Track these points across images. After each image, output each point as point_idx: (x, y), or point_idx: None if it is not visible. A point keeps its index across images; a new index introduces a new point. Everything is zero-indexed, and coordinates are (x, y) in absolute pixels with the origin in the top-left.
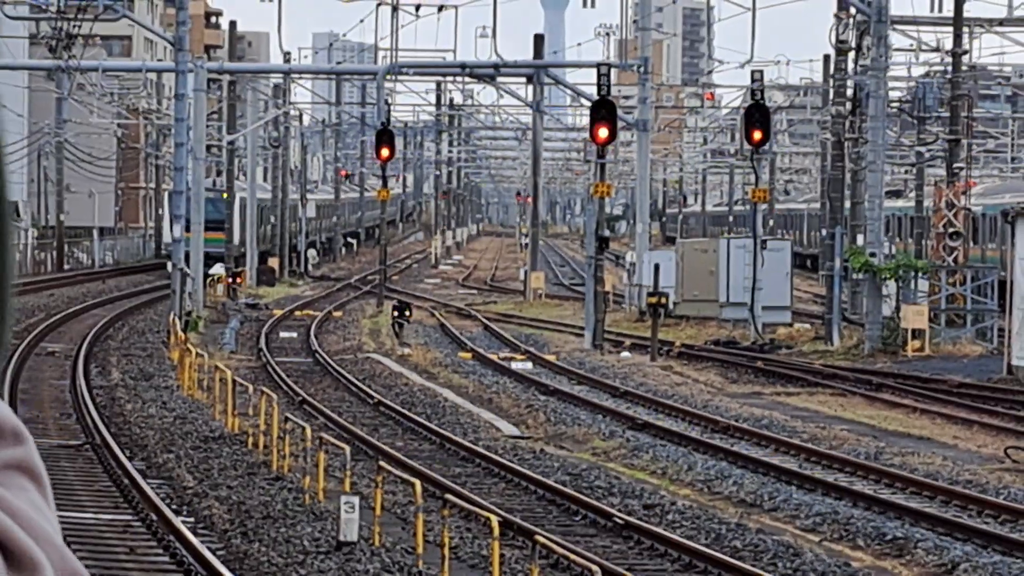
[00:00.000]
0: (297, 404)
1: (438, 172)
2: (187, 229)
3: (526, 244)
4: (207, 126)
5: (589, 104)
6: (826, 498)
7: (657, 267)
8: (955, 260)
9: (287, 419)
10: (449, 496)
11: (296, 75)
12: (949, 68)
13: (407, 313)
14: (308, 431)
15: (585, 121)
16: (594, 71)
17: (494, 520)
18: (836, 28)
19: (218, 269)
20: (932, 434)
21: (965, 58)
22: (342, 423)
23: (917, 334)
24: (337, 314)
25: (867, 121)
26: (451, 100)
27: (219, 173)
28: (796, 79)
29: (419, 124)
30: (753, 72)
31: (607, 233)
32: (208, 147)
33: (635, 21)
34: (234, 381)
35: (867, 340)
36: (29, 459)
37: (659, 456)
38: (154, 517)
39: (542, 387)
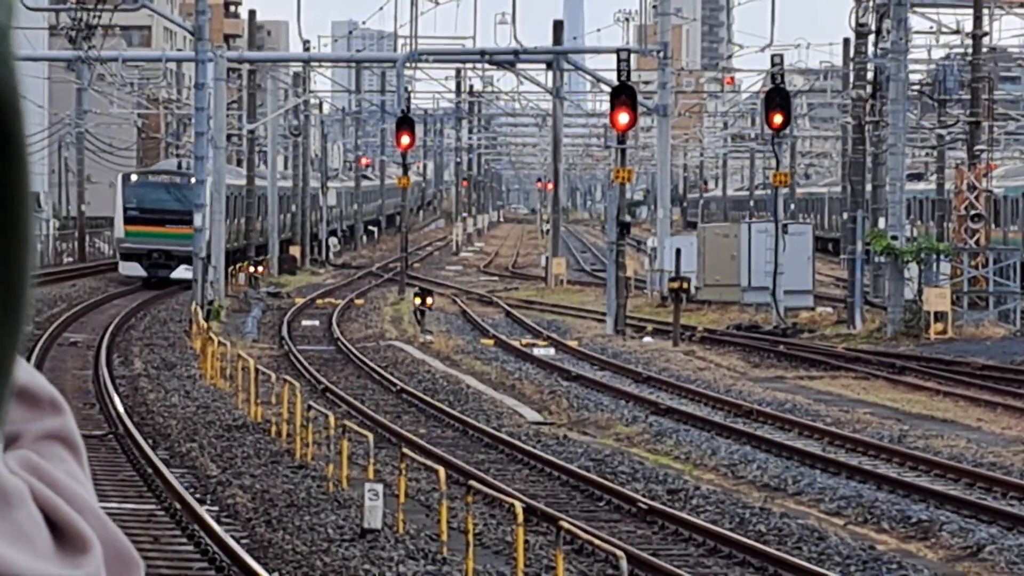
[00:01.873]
0: (320, 392)
1: (458, 159)
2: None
3: (547, 230)
4: (227, 115)
5: (609, 90)
6: (850, 481)
7: (678, 252)
8: (977, 242)
9: (310, 407)
10: (473, 483)
11: (316, 63)
12: (969, 50)
13: (429, 300)
14: (331, 419)
15: (605, 107)
16: (614, 57)
17: (518, 506)
18: (856, 11)
19: (182, 273)
20: (956, 417)
21: (986, 40)
22: (365, 411)
23: (940, 317)
24: (359, 302)
25: (887, 104)
26: (471, 87)
27: (239, 162)
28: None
29: (439, 111)
30: (773, 56)
31: (628, 219)
32: (228, 136)
33: (654, 6)
34: (257, 370)
35: (889, 323)
36: (67, 429)
37: (682, 441)
38: (178, 506)
39: (564, 373)
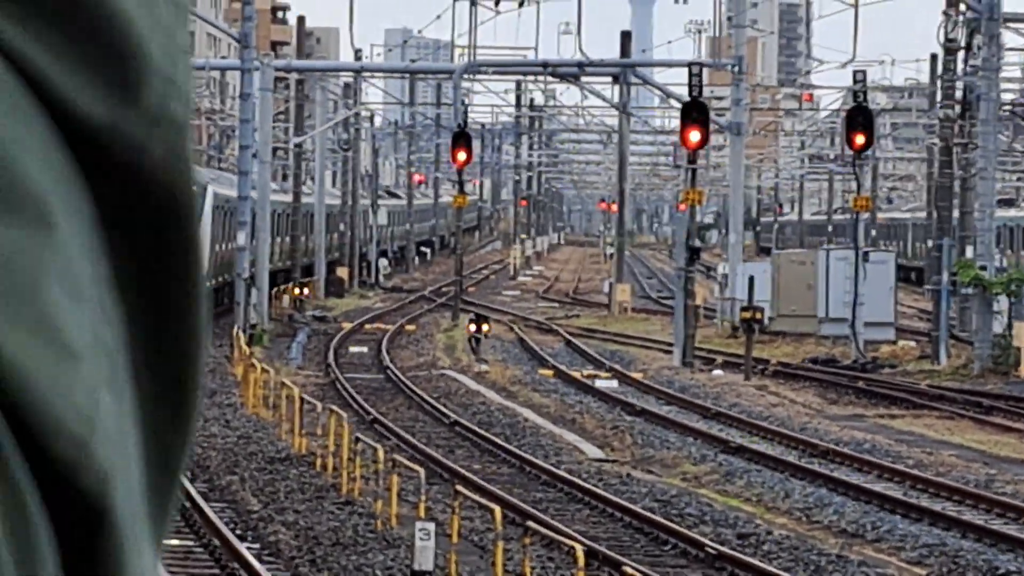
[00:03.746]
0: (368, 423)
1: (517, 177)
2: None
3: (611, 254)
4: (273, 127)
5: (679, 106)
6: (933, 528)
7: (751, 280)
8: None
9: (358, 439)
10: (530, 523)
11: (368, 74)
12: None
13: (484, 327)
14: (380, 452)
15: (674, 124)
16: (685, 70)
17: (579, 549)
18: (944, 26)
19: None
20: None
21: None
22: (416, 444)
23: None
24: (410, 328)
25: (977, 125)
26: (532, 101)
27: (285, 177)
28: (901, 80)
29: (498, 126)
30: (855, 72)
31: (698, 243)
32: (274, 150)
33: (729, 17)
34: (301, 398)
35: (976, 359)
36: None
37: (754, 482)
38: (217, 543)
39: (628, 407)
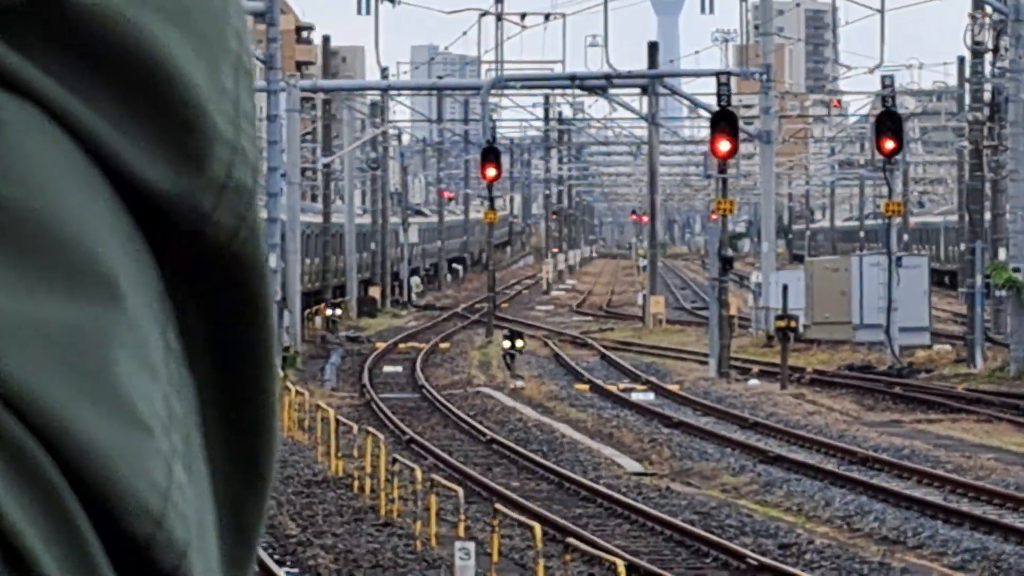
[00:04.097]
0: (404, 444)
1: (548, 191)
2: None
3: (643, 266)
4: (301, 148)
5: (708, 115)
6: (975, 533)
7: (785, 288)
8: None
9: (395, 460)
10: (571, 539)
11: (395, 92)
12: None
13: (519, 343)
14: (418, 472)
15: (704, 133)
16: (713, 80)
17: (620, 564)
18: (971, 28)
19: None
20: None
21: None
22: (453, 463)
23: None
24: (444, 346)
25: (1007, 127)
26: (560, 114)
27: (314, 198)
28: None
29: (527, 140)
30: (883, 77)
31: (730, 253)
32: (302, 170)
33: (755, 26)
34: (337, 420)
35: (1013, 361)
36: None
37: (793, 491)
38: (256, 569)
39: (665, 419)
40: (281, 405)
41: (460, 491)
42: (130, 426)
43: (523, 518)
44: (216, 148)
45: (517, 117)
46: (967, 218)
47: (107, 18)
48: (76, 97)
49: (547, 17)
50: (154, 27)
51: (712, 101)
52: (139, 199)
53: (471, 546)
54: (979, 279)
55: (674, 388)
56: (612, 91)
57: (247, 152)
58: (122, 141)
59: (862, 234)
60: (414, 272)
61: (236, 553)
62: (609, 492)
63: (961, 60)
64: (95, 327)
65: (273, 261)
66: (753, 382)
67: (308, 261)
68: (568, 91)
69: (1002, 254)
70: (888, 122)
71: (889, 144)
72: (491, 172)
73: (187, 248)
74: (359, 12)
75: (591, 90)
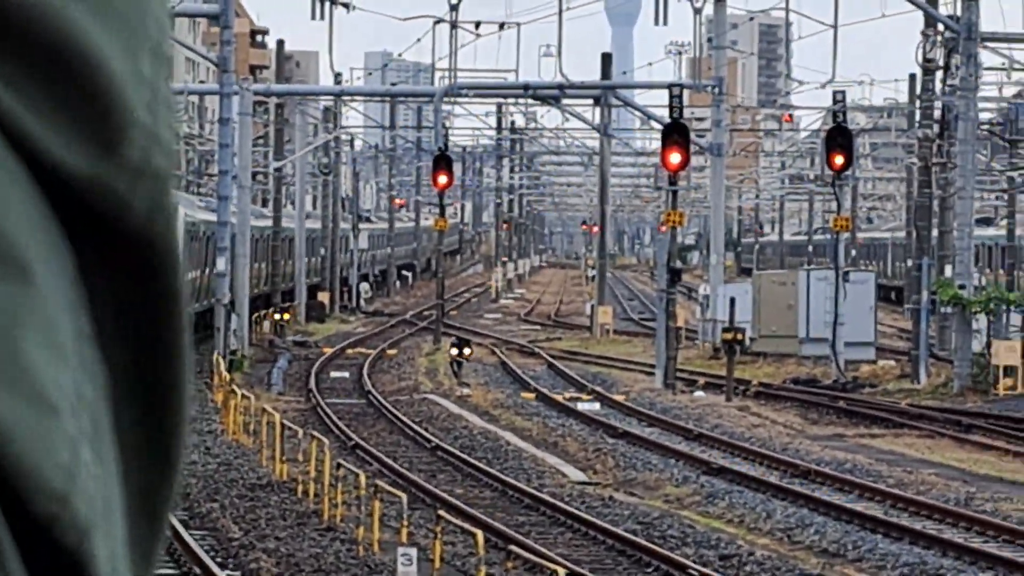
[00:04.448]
0: (349, 449)
1: (499, 200)
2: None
3: (592, 276)
4: (253, 152)
5: (660, 127)
6: (914, 547)
7: (732, 301)
8: None
9: (339, 465)
10: (513, 547)
11: (348, 97)
12: None
13: (466, 351)
14: (362, 478)
15: (655, 145)
16: (665, 92)
17: (561, 572)
18: (923, 46)
19: None
20: None
21: None
22: (398, 469)
23: (1009, 371)
24: (391, 352)
25: (956, 144)
26: (513, 123)
27: (265, 202)
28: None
29: (479, 149)
30: (835, 92)
31: (679, 265)
32: (254, 174)
33: (709, 39)
34: (282, 424)
35: (956, 378)
36: None
37: (735, 503)
38: (198, 571)
39: (611, 429)
40: (192, 393)
41: (404, 497)
42: (37, 407)
43: (466, 525)
44: (133, 134)
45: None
46: (915, 234)
47: (26, 1)
48: None
49: (501, 26)
50: (73, 11)
51: (664, 113)
52: (54, 183)
53: (413, 552)
54: (925, 295)
55: (620, 398)
56: (565, 101)
57: (164, 138)
58: (38, 124)
59: (810, 248)
60: (363, 278)
61: (143, 538)
62: (552, 500)
63: (912, 77)
64: (5, 308)
65: (222, 264)
66: (699, 394)
67: (257, 265)
68: (521, 100)
69: (948, 271)
70: (838, 137)
71: (839, 159)
72: (443, 180)
73: (102, 233)
74: (313, 17)
75: (544, 100)
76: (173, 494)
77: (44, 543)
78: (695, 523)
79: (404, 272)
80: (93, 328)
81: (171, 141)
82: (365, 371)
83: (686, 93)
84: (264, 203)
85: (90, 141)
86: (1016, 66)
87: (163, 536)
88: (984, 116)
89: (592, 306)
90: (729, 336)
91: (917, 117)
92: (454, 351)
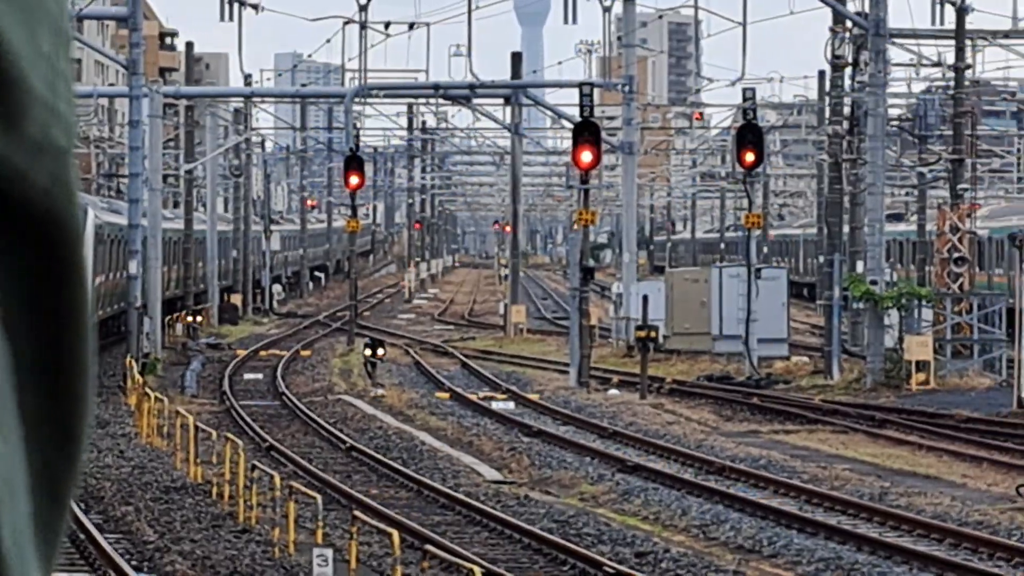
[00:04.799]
0: (264, 451)
1: (411, 200)
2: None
3: (505, 276)
4: (163, 154)
5: (571, 126)
6: (829, 542)
7: (645, 299)
8: (960, 287)
9: (254, 467)
10: (429, 547)
11: (258, 99)
12: (951, 83)
13: (380, 351)
14: (277, 479)
15: (567, 144)
16: (576, 91)
17: (477, 571)
18: (832, 42)
19: None
20: (939, 473)
21: (968, 73)
22: (313, 470)
23: (921, 366)
24: (305, 353)
25: (866, 140)
26: (424, 123)
27: (176, 204)
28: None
29: (390, 149)
30: (745, 90)
31: (592, 263)
32: (164, 177)
33: (619, 37)
34: (196, 427)
35: (869, 373)
36: None
37: (651, 500)
38: (112, 574)
39: (525, 428)
40: (95, 372)
41: (319, 498)
42: None
43: (382, 525)
44: (32, 109)
45: (381, 126)
46: (826, 231)
47: None
48: None
49: (411, 26)
50: None
51: (575, 112)
52: None
53: (329, 553)
54: (837, 291)
55: (534, 397)
56: (476, 101)
57: (63, 114)
58: None
59: (722, 246)
60: (276, 280)
61: (47, 516)
62: (468, 500)
63: (822, 74)
64: None
65: (133, 267)
66: (613, 392)
67: (169, 268)
68: (432, 100)
69: (860, 267)
70: (749, 135)
71: (750, 157)
72: (354, 180)
73: (2, 208)
74: (222, 19)
75: (455, 99)
76: (76, 473)
77: None
78: (611, 521)
79: (317, 274)
80: None
81: (70, 116)
82: (279, 373)
83: (596, 92)
84: (175, 205)
85: None
86: (924, 62)
87: (66, 515)
88: (893, 112)
89: (505, 305)
90: (643, 334)
91: (827, 114)
92: (368, 352)
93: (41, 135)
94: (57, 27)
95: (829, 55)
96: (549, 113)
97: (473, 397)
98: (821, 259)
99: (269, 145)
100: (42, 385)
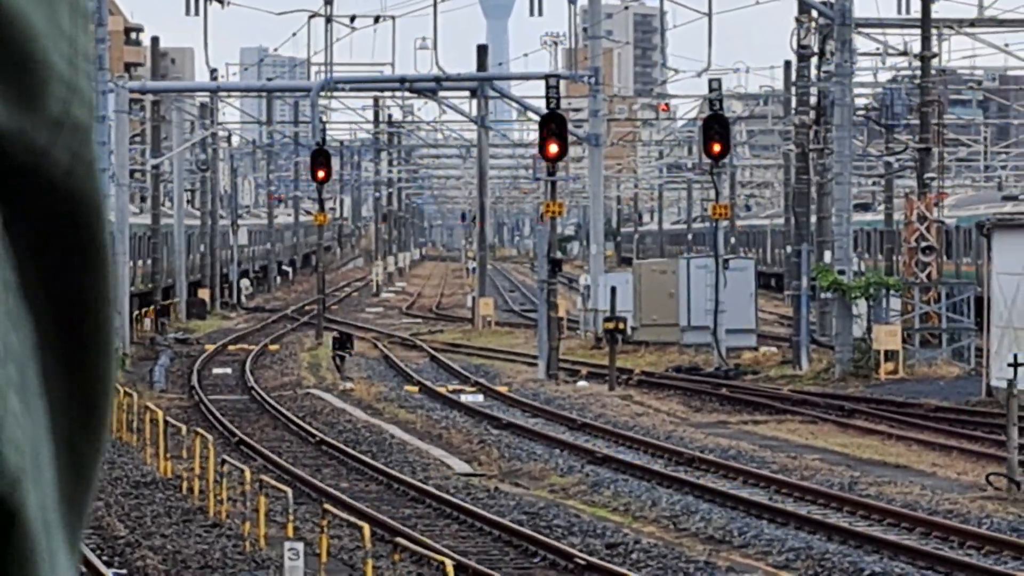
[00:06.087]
0: (234, 445)
1: (378, 194)
2: None
3: (473, 269)
4: (130, 150)
5: (537, 118)
6: (799, 532)
7: (613, 290)
8: (928, 276)
9: (224, 461)
10: (399, 539)
11: (224, 93)
12: (917, 73)
13: (348, 345)
14: (247, 473)
15: (533, 136)
16: (542, 83)
17: (448, 564)
18: (797, 32)
19: None
20: (909, 461)
21: (934, 62)
22: (283, 464)
23: (890, 356)
24: (273, 347)
25: (832, 130)
26: (390, 117)
27: (143, 200)
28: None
29: (356, 143)
30: (711, 81)
31: (559, 255)
32: (131, 172)
33: (584, 29)
34: (166, 422)
35: (837, 363)
36: None
37: (621, 492)
38: (84, 570)
39: (494, 421)
40: (117, 351)
41: (289, 492)
42: None
43: (352, 518)
44: (53, 86)
45: (347, 119)
46: (793, 221)
47: None
48: None
49: (377, 19)
50: None
51: (541, 104)
52: None
53: (300, 546)
54: (805, 281)
55: (503, 389)
56: (442, 94)
57: (84, 91)
58: None
59: (690, 237)
60: (244, 274)
61: (73, 491)
62: (438, 492)
63: (787, 64)
64: None
65: None
66: (582, 384)
67: (137, 263)
68: (398, 93)
69: (827, 257)
70: (715, 126)
71: (716, 147)
72: (321, 174)
73: (24, 185)
74: (188, 13)
75: (421, 92)
76: (101, 451)
77: None
78: (581, 512)
79: (284, 268)
80: (18, 279)
81: (90, 94)
82: (248, 367)
83: (563, 84)
84: (142, 200)
85: (11, 94)
86: (890, 51)
87: (93, 489)
88: (860, 102)
89: (473, 298)
90: (611, 326)
91: (793, 104)
92: (336, 345)
93: (62, 112)
94: (76, 5)
95: (795, 45)
96: (515, 105)
97: (442, 390)
98: (789, 249)
99: (235, 140)
100: (65, 359)
